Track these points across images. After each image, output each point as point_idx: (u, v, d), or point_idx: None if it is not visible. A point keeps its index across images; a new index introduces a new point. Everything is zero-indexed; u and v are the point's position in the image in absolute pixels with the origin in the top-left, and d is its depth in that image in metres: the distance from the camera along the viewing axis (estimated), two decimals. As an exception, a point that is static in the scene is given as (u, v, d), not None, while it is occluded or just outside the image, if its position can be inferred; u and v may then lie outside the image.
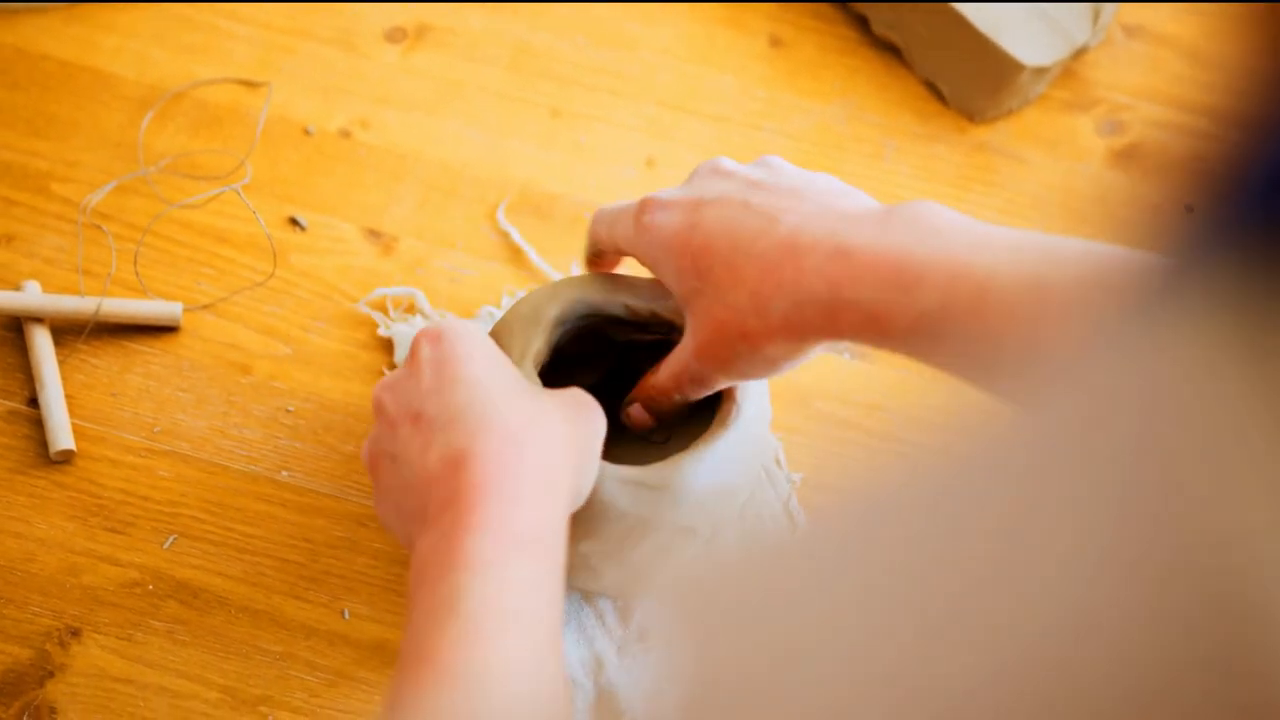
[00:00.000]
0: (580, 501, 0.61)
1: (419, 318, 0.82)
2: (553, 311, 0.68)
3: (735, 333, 0.60)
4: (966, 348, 0.52)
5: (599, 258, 0.71)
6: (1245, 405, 0.22)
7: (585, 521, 0.64)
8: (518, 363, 0.66)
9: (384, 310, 0.82)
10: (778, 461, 0.78)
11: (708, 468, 0.65)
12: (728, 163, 0.65)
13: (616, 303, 0.69)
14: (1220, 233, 0.24)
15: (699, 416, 0.69)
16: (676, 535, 0.65)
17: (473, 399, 0.58)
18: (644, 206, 0.64)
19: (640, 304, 0.69)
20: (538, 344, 0.67)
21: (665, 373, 0.66)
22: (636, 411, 0.69)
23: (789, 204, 0.60)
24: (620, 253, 0.68)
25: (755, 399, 0.68)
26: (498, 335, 0.68)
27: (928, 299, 0.53)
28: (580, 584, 0.70)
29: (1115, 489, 0.24)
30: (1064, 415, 0.26)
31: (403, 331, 0.80)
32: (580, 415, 0.61)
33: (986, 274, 0.52)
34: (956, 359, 0.54)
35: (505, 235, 0.86)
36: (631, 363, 0.72)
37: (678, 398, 0.66)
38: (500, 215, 0.86)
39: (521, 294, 0.78)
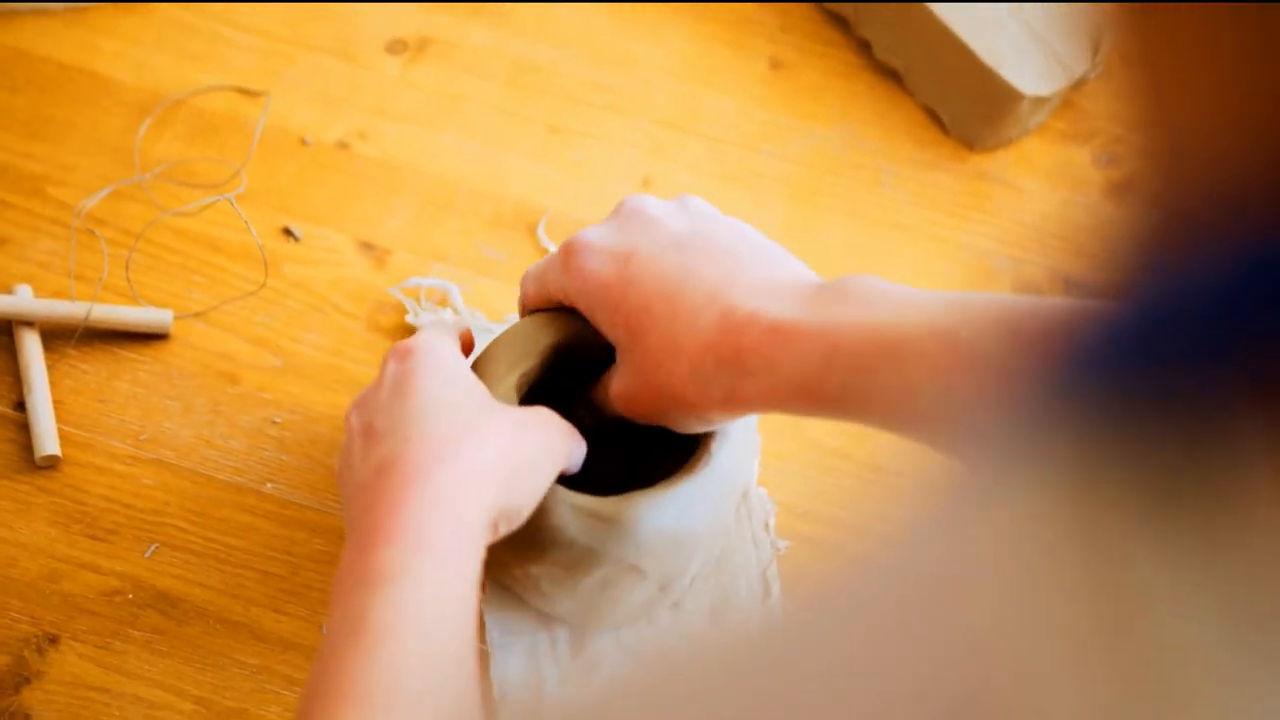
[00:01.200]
0: (517, 520, 0.60)
1: (449, 311, 0.81)
2: (545, 339, 0.68)
3: (669, 396, 0.60)
4: (890, 404, 0.54)
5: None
6: (1069, 571, 0.24)
7: (536, 544, 0.63)
8: (498, 380, 0.65)
9: (416, 299, 0.82)
10: (766, 526, 0.77)
11: (663, 511, 0.64)
12: (653, 205, 0.65)
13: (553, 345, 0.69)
14: (1078, 379, 0.25)
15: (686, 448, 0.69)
16: (623, 572, 0.65)
17: (414, 412, 0.58)
18: (571, 249, 0.64)
19: (564, 338, 0.68)
20: (526, 365, 0.67)
21: (601, 393, 0.66)
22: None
23: (725, 270, 0.60)
24: (553, 303, 0.68)
25: (732, 450, 0.67)
26: (487, 353, 0.68)
27: (851, 364, 0.55)
28: (535, 605, 0.69)
29: (930, 628, 0.26)
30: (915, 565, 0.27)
31: (429, 323, 0.80)
32: (532, 432, 0.61)
33: (901, 334, 0.54)
34: (883, 417, 0.55)
35: (499, 252, 0.86)
36: None
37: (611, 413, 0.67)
38: (541, 232, 0.86)
39: (513, 317, 0.78)
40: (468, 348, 0.69)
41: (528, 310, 0.70)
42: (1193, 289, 0.23)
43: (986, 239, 0.90)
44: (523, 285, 0.69)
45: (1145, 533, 0.23)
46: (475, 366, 0.67)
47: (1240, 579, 0.22)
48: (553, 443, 0.61)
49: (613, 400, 0.64)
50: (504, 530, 0.59)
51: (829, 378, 0.55)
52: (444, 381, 0.60)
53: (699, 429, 0.64)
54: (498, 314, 0.83)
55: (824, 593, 0.30)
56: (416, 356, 0.61)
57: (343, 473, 0.61)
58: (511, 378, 0.66)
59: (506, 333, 0.69)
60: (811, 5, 0.97)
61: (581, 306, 0.64)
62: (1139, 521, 0.23)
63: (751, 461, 0.72)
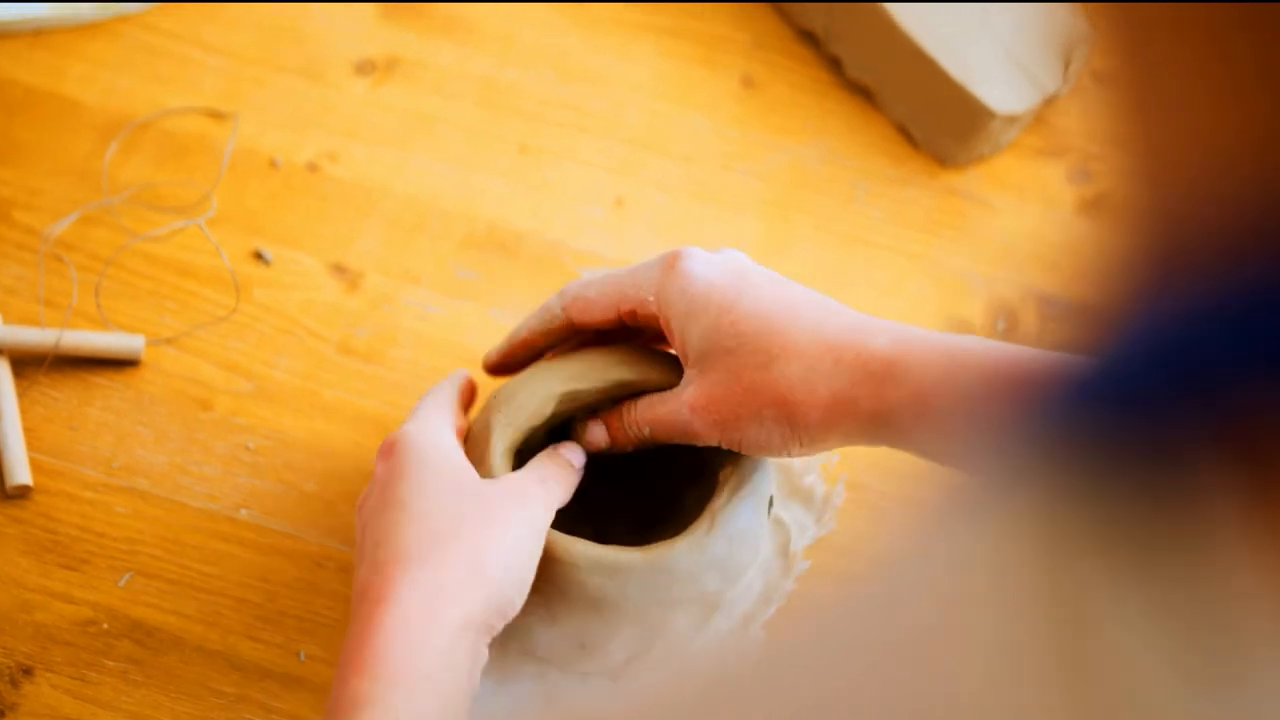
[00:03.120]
0: (513, 609, 0.60)
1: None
2: (547, 408, 0.68)
3: (769, 398, 0.61)
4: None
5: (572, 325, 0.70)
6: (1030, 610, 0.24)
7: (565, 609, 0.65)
8: (488, 452, 0.65)
9: None
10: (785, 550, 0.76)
11: (650, 575, 0.64)
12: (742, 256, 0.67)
13: (608, 383, 0.68)
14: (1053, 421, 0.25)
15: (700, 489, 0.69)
16: (590, 612, 0.65)
17: (390, 527, 0.59)
18: (679, 256, 0.64)
19: (636, 378, 0.68)
20: (518, 432, 0.67)
21: (647, 410, 0.66)
22: (596, 431, 0.68)
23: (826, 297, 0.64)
24: (621, 310, 0.67)
25: (744, 517, 0.67)
26: (485, 414, 0.68)
27: (973, 378, 0.57)
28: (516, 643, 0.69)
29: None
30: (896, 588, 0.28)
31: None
32: (508, 516, 0.61)
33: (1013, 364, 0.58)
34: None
35: (472, 273, 0.85)
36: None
37: (647, 433, 0.66)
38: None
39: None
40: (470, 398, 0.70)
41: (566, 325, 0.69)
42: (1165, 333, 0.23)
43: (959, 256, 0.90)
44: (582, 290, 0.68)
45: (1108, 579, 0.23)
46: (477, 424, 0.68)
47: (1203, 628, 0.22)
48: (535, 517, 0.62)
49: (683, 408, 0.63)
50: (502, 623, 0.60)
51: (946, 392, 0.57)
52: (423, 482, 0.60)
53: (760, 446, 0.63)
54: (471, 334, 0.83)
55: (807, 626, 0.31)
56: (397, 455, 0.62)
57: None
58: (505, 442, 0.66)
59: (509, 389, 0.68)
60: (782, 23, 0.98)
61: (674, 310, 0.64)
62: (1103, 568, 0.23)
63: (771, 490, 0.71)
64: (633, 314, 0.66)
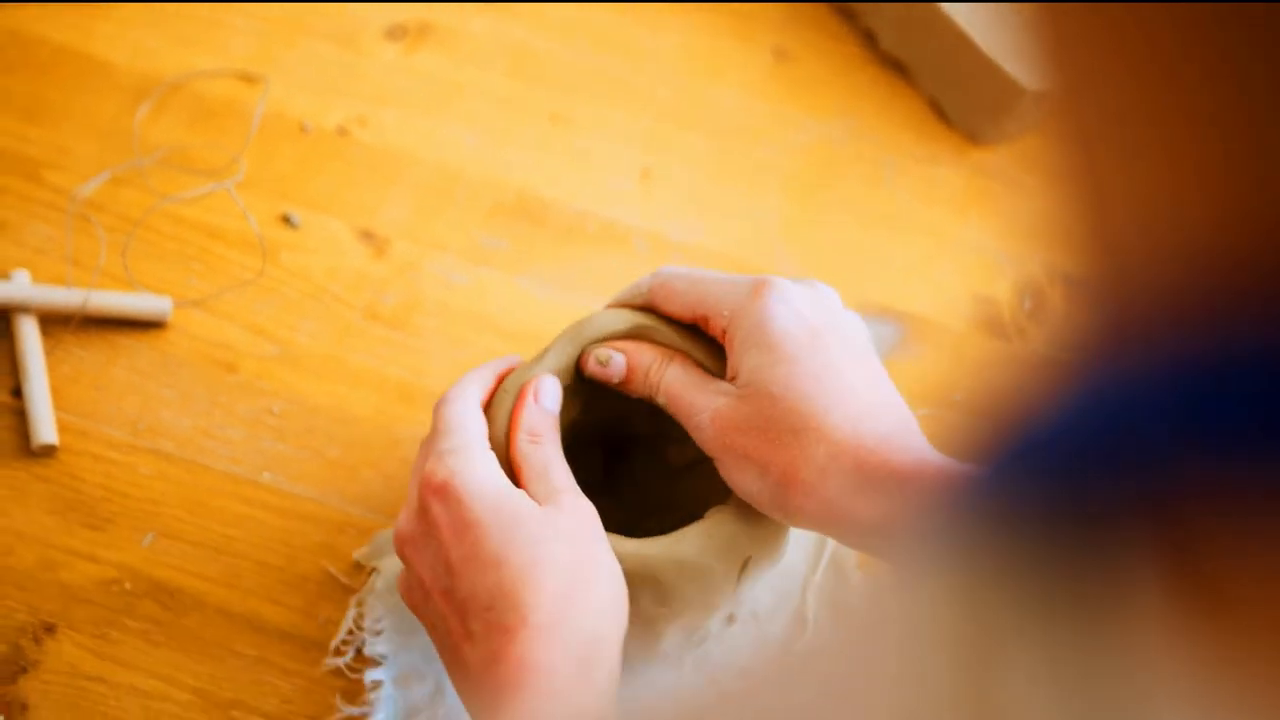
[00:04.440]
0: (625, 620, 0.59)
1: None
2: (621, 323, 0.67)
3: (780, 462, 0.60)
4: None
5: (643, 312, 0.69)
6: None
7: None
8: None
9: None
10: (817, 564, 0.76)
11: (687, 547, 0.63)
12: (833, 300, 0.65)
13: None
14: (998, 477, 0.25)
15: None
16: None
17: (500, 588, 0.57)
18: (771, 285, 0.63)
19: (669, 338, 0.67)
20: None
21: (676, 383, 0.65)
22: (616, 366, 0.66)
23: (880, 393, 0.62)
24: (693, 312, 0.66)
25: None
26: (490, 409, 0.67)
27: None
28: None
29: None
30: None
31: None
32: (591, 553, 0.60)
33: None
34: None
35: (499, 241, 0.85)
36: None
37: (660, 400, 0.65)
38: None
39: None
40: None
41: (643, 303, 0.68)
42: (1100, 400, 0.23)
43: (987, 235, 0.89)
44: (671, 279, 0.66)
45: (1017, 632, 0.23)
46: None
47: (1103, 684, 0.22)
48: (593, 527, 0.61)
49: (705, 410, 0.62)
50: (623, 633, 0.59)
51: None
52: (504, 533, 0.58)
53: (733, 487, 0.63)
54: (496, 302, 0.83)
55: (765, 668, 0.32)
56: (457, 497, 0.59)
57: (440, 643, 0.61)
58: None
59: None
60: (814, -4, 0.97)
61: (740, 335, 0.62)
62: (1014, 622, 0.23)
63: None
64: (705, 320, 0.65)
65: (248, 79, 0.90)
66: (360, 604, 0.73)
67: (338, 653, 0.72)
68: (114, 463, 0.76)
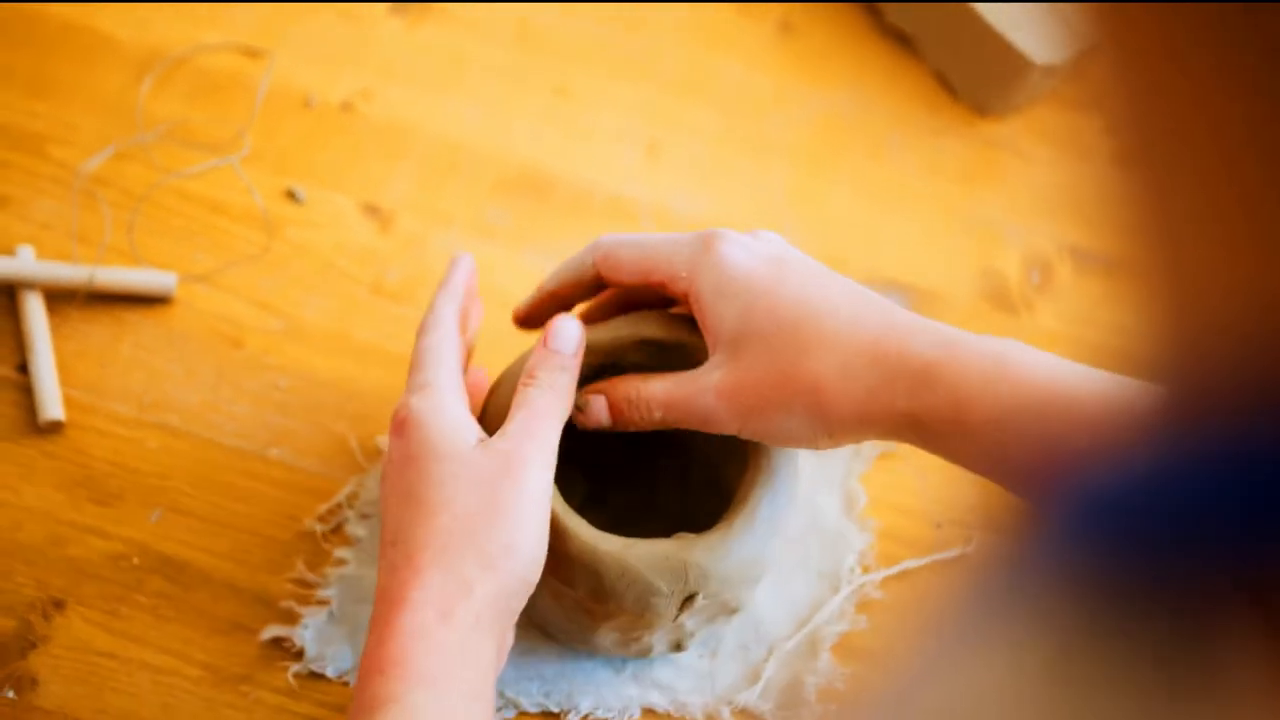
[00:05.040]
0: (527, 588, 0.60)
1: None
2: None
3: (802, 387, 0.59)
4: (1032, 451, 0.55)
5: (579, 287, 0.68)
6: None
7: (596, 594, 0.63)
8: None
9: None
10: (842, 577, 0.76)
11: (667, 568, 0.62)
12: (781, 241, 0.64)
13: (634, 339, 0.66)
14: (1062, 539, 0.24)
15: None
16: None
17: (405, 527, 0.59)
18: (717, 236, 0.62)
19: (664, 335, 0.66)
20: None
21: (664, 392, 0.63)
22: (597, 407, 0.65)
23: (875, 296, 0.62)
24: (645, 278, 0.65)
25: (770, 518, 0.64)
26: (498, 389, 0.67)
27: (1013, 391, 0.55)
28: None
29: None
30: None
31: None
32: (511, 503, 0.59)
33: (1068, 389, 0.55)
34: (1021, 463, 0.55)
35: (504, 215, 0.85)
36: None
37: (658, 417, 0.63)
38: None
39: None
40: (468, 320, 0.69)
41: (596, 278, 0.67)
42: (1207, 470, 0.23)
43: (994, 208, 0.89)
44: (615, 249, 0.65)
45: (1113, 711, 0.23)
46: (503, 386, 0.66)
47: None
48: (534, 488, 0.60)
49: (707, 393, 0.61)
50: (520, 604, 0.59)
51: (987, 399, 0.55)
52: (431, 473, 0.59)
53: (782, 436, 0.61)
54: (502, 276, 0.82)
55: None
56: (408, 437, 0.61)
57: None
58: None
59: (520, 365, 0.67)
60: (820, -33, 0.97)
61: (707, 290, 0.61)
62: (1108, 703, 0.23)
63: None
64: (662, 285, 0.64)
65: (252, 53, 0.89)
66: (360, 484, 0.75)
67: (321, 519, 0.74)
68: (121, 438, 0.76)
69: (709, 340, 0.62)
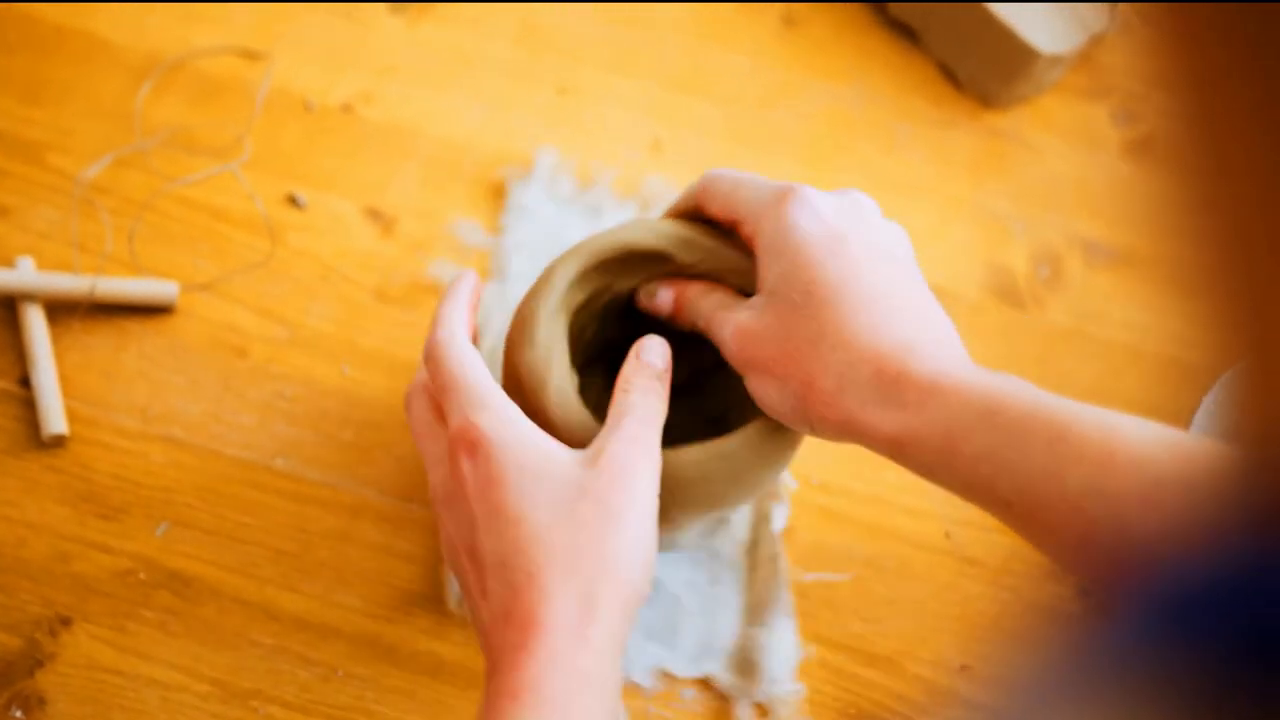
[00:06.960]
0: (647, 590, 0.59)
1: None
2: (568, 276, 0.66)
3: (800, 371, 0.59)
4: (1025, 484, 0.53)
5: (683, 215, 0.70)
6: None
7: None
8: (547, 382, 0.64)
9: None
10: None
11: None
12: (865, 203, 0.64)
13: (648, 239, 0.67)
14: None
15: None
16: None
17: (517, 547, 0.57)
18: (795, 194, 0.62)
19: (687, 254, 0.67)
20: (562, 343, 0.65)
21: (707, 303, 0.65)
22: (664, 298, 0.68)
23: (917, 302, 0.61)
24: (716, 213, 0.66)
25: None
26: (517, 331, 0.66)
27: (1006, 431, 0.54)
28: None
29: None
30: None
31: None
32: (625, 511, 0.58)
33: (1067, 418, 0.53)
34: (1007, 496, 0.54)
35: (510, 216, 0.84)
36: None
37: (701, 324, 0.66)
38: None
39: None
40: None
41: (692, 204, 0.68)
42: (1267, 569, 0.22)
43: (1002, 199, 0.88)
44: (714, 182, 0.66)
45: None
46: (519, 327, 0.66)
47: None
48: (645, 494, 0.59)
49: (729, 324, 0.63)
50: (637, 610, 0.59)
51: (973, 437, 0.54)
52: (529, 490, 0.58)
53: (758, 401, 0.62)
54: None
55: None
56: (485, 456, 0.59)
57: (467, 601, 0.61)
58: (564, 371, 0.64)
59: (531, 293, 0.66)
60: (823, -42, 0.95)
61: (765, 242, 0.62)
62: None
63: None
64: (737, 225, 0.65)
65: (250, 56, 0.88)
66: None
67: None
68: (125, 451, 0.75)
69: (758, 284, 0.63)
